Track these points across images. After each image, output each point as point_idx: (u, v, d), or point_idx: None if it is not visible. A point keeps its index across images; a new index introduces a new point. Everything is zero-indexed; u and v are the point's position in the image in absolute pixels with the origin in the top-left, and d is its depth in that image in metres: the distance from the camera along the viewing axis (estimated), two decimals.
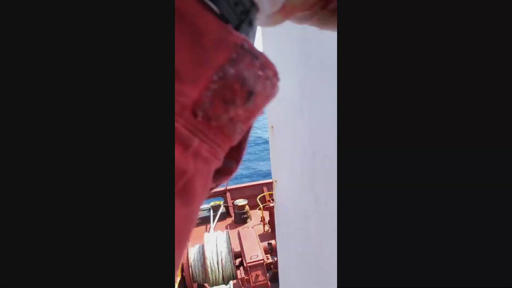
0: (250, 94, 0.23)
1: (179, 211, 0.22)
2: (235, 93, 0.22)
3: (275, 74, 0.25)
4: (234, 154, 0.28)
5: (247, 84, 0.23)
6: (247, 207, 6.15)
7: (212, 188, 0.29)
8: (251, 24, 0.25)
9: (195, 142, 0.22)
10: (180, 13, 0.21)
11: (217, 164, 0.25)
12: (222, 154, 0.25)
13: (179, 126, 0.21)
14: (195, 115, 0.21)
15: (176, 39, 0.21)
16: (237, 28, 0.24)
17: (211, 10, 0.22)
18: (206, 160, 0.23)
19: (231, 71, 0.22)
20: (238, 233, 4.98)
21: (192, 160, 0.22)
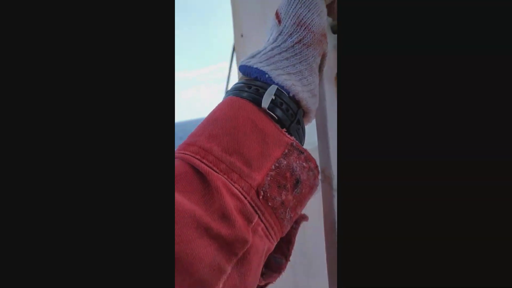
0: (297, 181, 0.30)
1: (233, 281, 0.26)
2: (286, 179, 0.29)
3: (316, 166, 0.32)
4: (284, 249, 0.34)
5: (295, 173, 0.30)
6: None
7: (261, 287, 0.34)
8: (299, 123, 0.33)
9: (255, 218, 0.28)
10: (255, 122, 0.30)
11: (269, 246, 0.30)
12: (274, 238, 0.30)
13: (247, 202, 0.28)
14: (258, 194, 0.28)
15: (252, 139, 0.29)
16: (289, 126, 0.32)
17: (272, 117, 0.31)
18: (261, 238, 0.28)
19: (284, 162, 0.29)
20: None
21: (252, 234, 0.27)
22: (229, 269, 0.26)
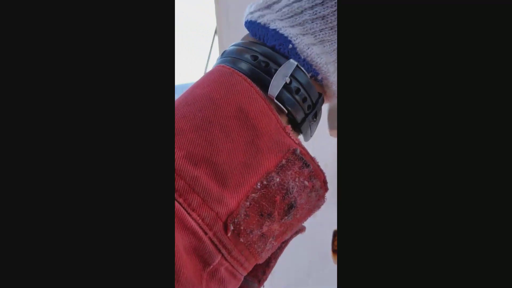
0: (290, 207, 0.21)
1: None
2: (274, 205, 0.20)
3: (324, 184, 0.22)
4: (259, 273, 0.25)
5: (289, 196, 0.20)
6: None
7: None
8: (315, 117, 0.23)
9: (217, 259, 0.20)
10: (246, 113, 0.20)
11: (235, 284, 0.22)
12: (243, 274, 0.22)
13: (206, 240, 0.19)
14: (226, 229, 0.19)
15: (236, 139, 0.20)
16: (303, 121, 0.23)
17: (278, 108, 0.21)
18: (222, 282, 0.20)
19: (277, 179, 0.20)
20: None
21: (206, 280, 0.20)
22: None
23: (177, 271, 0.18)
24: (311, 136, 0.25)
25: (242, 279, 0.22)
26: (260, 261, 0.22)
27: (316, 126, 0.25)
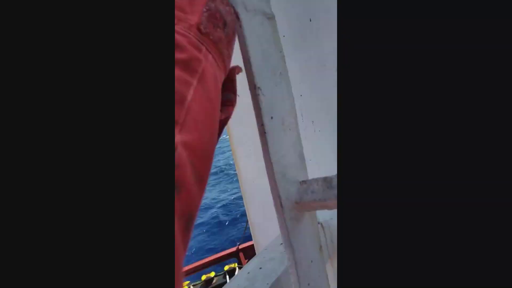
0: (225, 23, 0.35)
1: (199, 92, 0.29)
2: (217, 19, 0.34)
3: (235, 11, 0.37)
4: (229, 86, 0.38)
5: (222, 15, 0.35)
6: None
7: (224, 121, 0.37)
8: None
9: (203, 49, 0.32)
10: None
11: (219, 73, 0.34)
12: (221, 67, 0.34)
13: (191, 37, 0.31)
14: (200, 30, 0.32)
15: None
16: None
17: None
18: (212, 65, 0.32)
19: (212, 5, 0.34)
20: None
21: (204, 58, 0.31)
22: (194, 82, 0.30)
23: (183, 45, 0.30)
24: None
25: (223, 74, 0.35)
26: (226, 66, 0.36)
27: None
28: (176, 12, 0.31)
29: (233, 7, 0.37)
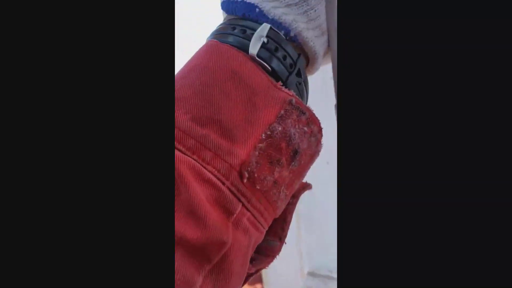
0: (295, 153, 0.23)
1: (204, 276, 0.20)
2: (281, 152, 0.22)
3: (320, 130, 0.24)
4: (278, 230, 0.26)
5: (292, 142, 0.22)
6: None
7: (251, 274, 0.26)
8: (299, 75, 0.25)
9: (238, 208, 0.21)
10: (239, 74, 0.22)
11: (258, 237, 0.23)
12: (264, 226, 0.23)
13: (225, 189, 0.20)
14: (242, 177, 0.21)
15: (234, 99, 0.21)
16: (287, 79, 0.24)
17: (263, 67, 0.23)
18: (247, 231, 0.22)
19: (279, 128, 0.22)
20: None
21: (232, 229, 0.21)
22: (200, 280, 0.20)
23: (203, 216, 0.19)
24: (306, 100, 0.27)
25: (264, 232, 0.24)
26: (278, 212, 0.24)
27: (307, 90, 0.27)
28: (217, 138, 0.21)
29: (318, 124, 0.24)
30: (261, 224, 0.23)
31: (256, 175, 0.21)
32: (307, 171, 0.25)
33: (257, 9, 0.23)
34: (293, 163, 0.23)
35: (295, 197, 0.26)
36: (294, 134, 0.22)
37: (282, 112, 0.22)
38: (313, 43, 0.24)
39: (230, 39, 0.23)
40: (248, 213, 0.22)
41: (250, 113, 0.22)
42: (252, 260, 0.25)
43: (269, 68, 0.23)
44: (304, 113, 0.23)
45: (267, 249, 0.26)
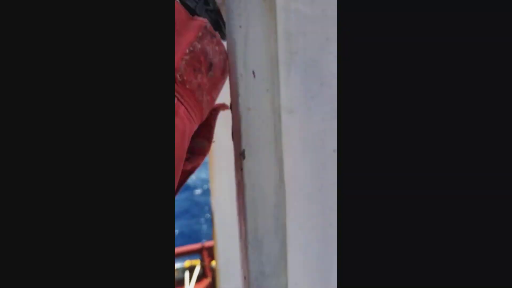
0: (210, 65, 0.31)
1: None
2: (201, 63, 0.30)
3: (225, 50, 0.33)
4: (206, 133, 0.35)
5: (208, 56, 0.31)
6: None
7: (191, 170, 0.35)
8: (207, 3, 0.32)
9: (175, 102, 0.28)
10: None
11: (191, 127, 0.31)
12: (195, 120, 0.31)
13: None
14: (175, 79, 0.28)
15: None
16: (195, 8, 0.31)
17: (185, 5, 0.31)
18: (182, 120, 0.29)
19: (198, 46, 0.30)
20: None
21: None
22: None
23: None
24: (224, 24, 0.34)
25: (196, 125, 0.31)
26: (203, 113, 0.32)
27: (220, 16, 0.34)
28: None
29: (224, 46, 0.33)
30: (193, 118, 0.30)
31: (185, 78, 0.29)
32: (221, 84, 0.33)
33: None
34: (210, 72, 0.31)
35: (215, 110, 0.35)
36: (209, 51, 0.31)
37: (200, 34, 0.30)
38: None
39: None
40: (183, 107, 0.29)
41: (177, 37, 0.29)
42: (187, 159, 0.33)
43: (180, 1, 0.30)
44: (214, 36, 0.31)
45: (198, 149, 0.35)
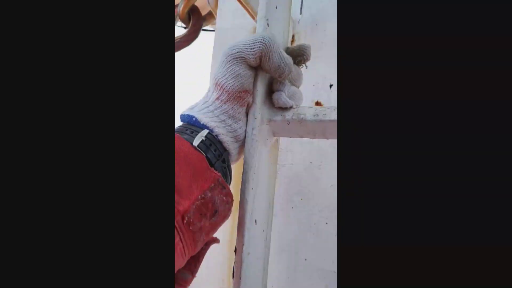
0: (215, 211, 0.36)
1: None
2: (207, 209, 0.35)
3: (232, 200, 0.38)
4: (192, 266, 0.38)
5: (215, 204, 0.36)
6: None
7: None
8: (224, 162, 0.40)
9: (176, 238, 0.32)
10: (188, 159, 0.35)
11: (181, 263, 0.35)
12: (187, 257, 0.35)
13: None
14: (183, 219, 0.33)
15: (182, 173, 0.34)
16: (215, 163, 0.38)
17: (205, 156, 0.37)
18: (177, 256, 0.32)
19: (209, 194, 0.35)
20: None
21: None
22: None
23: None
24: (230, 176, 0.41)
25: (185, 262, 0.35)
26: (195, 250, 0.36)
27: (230, 172, 0.41)
28: (176, 196, 0.33)
29: (231, 197, 0.38)
30: (185, 255, 0.34)
31: (191, 220, 0.33)
32: (219, 227, 0.38)
33: (193, 118, 0.39)
34: (213, 218, 0.36)
35: (207, 244, 0.39)
36: (216, 200, 0.36)
37: (212, 185, 0.36)
38: (228, 144, 0.40)
39: (185, 136, 0.38)
40: (181, 244, 0.33)
41: (193, 183, 0.34)
42: None
43: (204, 155, 0.37)
44: (224, 188, 0.37)
45: (182, 280, 0.38)
